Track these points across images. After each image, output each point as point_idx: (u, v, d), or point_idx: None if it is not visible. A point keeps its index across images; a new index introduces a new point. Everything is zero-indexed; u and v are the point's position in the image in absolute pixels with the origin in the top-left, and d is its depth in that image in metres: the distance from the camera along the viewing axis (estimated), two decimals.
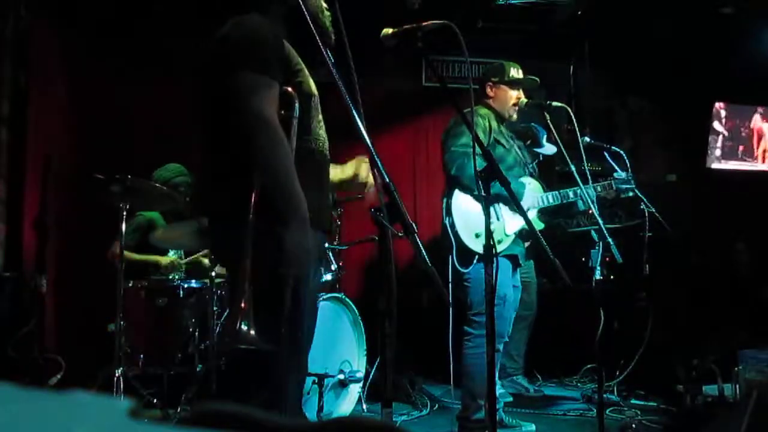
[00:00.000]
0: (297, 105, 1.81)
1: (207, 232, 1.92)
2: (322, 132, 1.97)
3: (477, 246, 3.15)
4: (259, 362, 1.70)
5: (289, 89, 1.81)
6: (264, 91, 1.73)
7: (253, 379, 1.75)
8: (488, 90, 3.44)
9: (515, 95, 3.40)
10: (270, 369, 1.74)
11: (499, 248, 3.09)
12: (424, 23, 2.03)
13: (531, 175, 3.45)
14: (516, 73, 3.42)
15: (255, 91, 1.71)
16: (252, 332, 1.54)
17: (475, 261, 3.16)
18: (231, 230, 1.73)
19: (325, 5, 2.00)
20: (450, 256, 3.19)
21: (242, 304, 1.54)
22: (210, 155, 1.91)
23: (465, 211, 3.21)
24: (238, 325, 1.53)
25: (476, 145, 2.02)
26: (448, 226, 3.21)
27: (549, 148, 3.87)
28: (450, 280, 3.19)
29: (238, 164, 1.72)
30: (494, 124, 3.33)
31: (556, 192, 3.37)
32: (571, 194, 3.34)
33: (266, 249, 1.63)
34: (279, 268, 1.63)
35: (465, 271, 3.18)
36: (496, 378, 3.42)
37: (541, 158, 4.25)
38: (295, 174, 1.69)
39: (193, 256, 3.90)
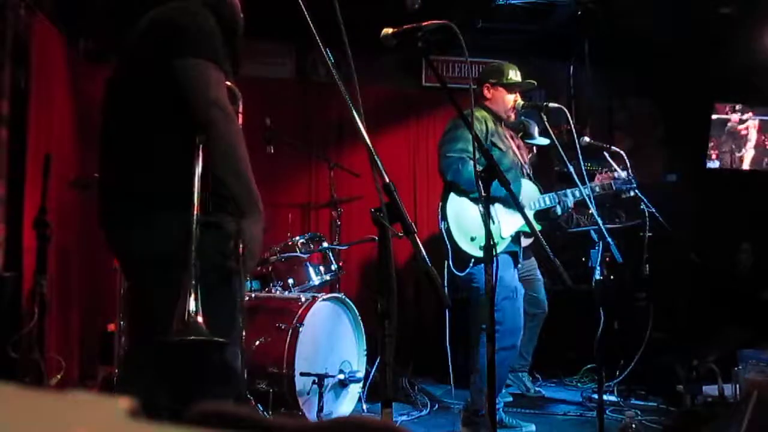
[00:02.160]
0: (240, 101, 1.84)
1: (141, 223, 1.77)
2: None
3: (472, 249, 3.16)
4: (214, 356, 1.70)
5: (232, 85, 1.81)
6: (220, 81, 1.70)
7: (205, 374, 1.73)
8: (486, 91, 3.43)
9: (513, 98, 3.40)
10: (225, 364, 1.74)
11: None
12: (424, 23, 2.03)
13: (528, 177, 3.46)
14: (514, 75, 3.41)
15: (215, 80, 1.68)
16: (200, 319, 1.52)
17: (471, 264, 3.17)
18: (175, 221, 1.64)
19: None
20: (446, 260, 3.21)
21: (190, 296, 1.53)
22: (139, 141, 1.81)
23: (459, 215, 3.22)
24: (186, 316, 1.51)
25: (476, 145, 2.02)
26: (443, 230, 3.22)
27: (541, 140, 3.86)
28: (446, 283, 3.20)
29: (183, 151, 1.66)
30: (491, 125, 3.33)
31: (553, 194, 3.37)
32: (569, 195, 3.34)
33: (224, 241, 1.66)
34: (236, 260, 1.65)
35: (460, 274, 3.19)
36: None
37: (535, 150, 4.25)
38: (249, 166, 1.70)
39: None
